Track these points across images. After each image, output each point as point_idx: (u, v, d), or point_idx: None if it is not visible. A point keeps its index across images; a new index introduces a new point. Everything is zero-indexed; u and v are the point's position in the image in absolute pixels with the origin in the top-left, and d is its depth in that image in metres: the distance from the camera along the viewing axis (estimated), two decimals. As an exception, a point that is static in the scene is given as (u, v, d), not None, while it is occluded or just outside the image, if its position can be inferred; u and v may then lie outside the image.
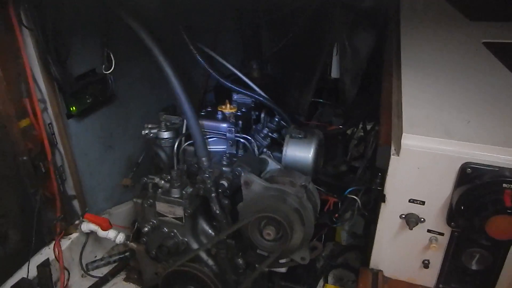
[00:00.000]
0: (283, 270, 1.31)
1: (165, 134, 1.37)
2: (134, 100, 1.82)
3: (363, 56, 1.53)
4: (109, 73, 1.53)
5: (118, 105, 1.73)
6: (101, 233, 1.54)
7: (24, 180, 1.40)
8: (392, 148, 1.02)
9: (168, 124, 1.40)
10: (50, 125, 1.44)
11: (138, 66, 1.78)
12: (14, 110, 1.32)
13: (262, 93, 1.47)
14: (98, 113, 1.65)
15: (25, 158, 1.37)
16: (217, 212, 1.26)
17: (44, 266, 1.44)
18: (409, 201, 1.04)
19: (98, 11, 1.47)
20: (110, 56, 1.51)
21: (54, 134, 1.46)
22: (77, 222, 1.61)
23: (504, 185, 0.89)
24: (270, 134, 1.41)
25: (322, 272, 1.53)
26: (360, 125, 1.81)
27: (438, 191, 1.00)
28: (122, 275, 1.64)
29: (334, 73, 1.75)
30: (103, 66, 1.52)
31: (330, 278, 1.54)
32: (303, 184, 1.17)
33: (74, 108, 1.49)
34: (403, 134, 0.99)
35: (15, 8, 1.24)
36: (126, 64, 1.68)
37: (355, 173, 1.59)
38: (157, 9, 1.37)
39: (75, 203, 1.62)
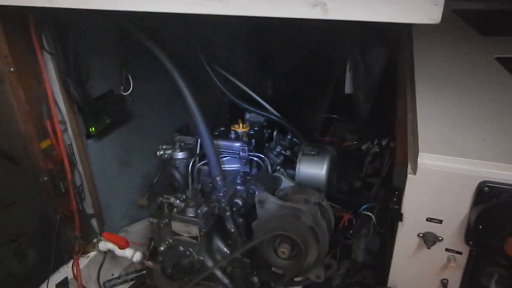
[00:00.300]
0: (298, 288, 1.30)
1: (180, 155, 1.39)
2: (151, 119, 1.85)
3: (377, 71, 1.53)
4: (127, 94, 1.57)
5: (135, 124, 1.77)
6: (119, 252, 1.56)
7: (44, 200, 1.43)
8: (409, 167, 1.02)
9: (182, 144, 1.42)
10: (70, 146, 1.48)
11: (155, 86, 1.82)
12: (35, 132, 1.36)
13: (274, 112, 1.49)
14: (115, 132, 1.69)
15: (45, 178, 1.41)
16: (232, 230, 1.27)
17: (63, 285, 1.46)
18: (427, 219, 1.03)
19: (117, 34, 1.52)
20: (128, 77, 1.54)
21: (73, 154, 1.49)
22: (95, 240, 1.63)
23: (522, 204, 0.88)
24: (283, 151, 1.42)
25: (338, 290, 1.51)
26: (375, 141, 1.80)
27: (456, 210, 0.99)
28: (139, 293, 1.66)
29: (348, 89, 1.76)
30: (122, 87, 1.56)
31: (346, 297, 1.51)
32: (316, 201, 1.17)
33: (93, 128, 1.53)
34: (419, 153, 0.99)
35: (36, 33, 1.29)
36: (143, 84, 1.72)
37: (370, 190, 1.58)
38: (172, 28, 1.40)
39: (93, 222, 1.64)
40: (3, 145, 1.28)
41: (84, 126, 1.52)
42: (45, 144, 1.40)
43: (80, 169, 1.53)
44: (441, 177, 0.98)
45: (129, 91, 1.57)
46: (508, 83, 1.19)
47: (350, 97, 1.73)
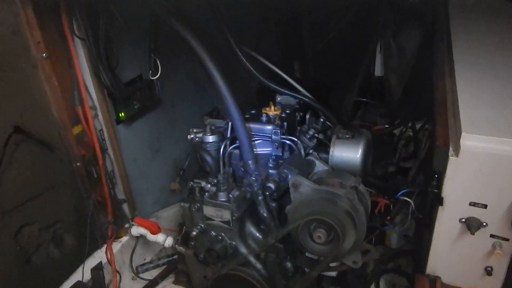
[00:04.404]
0: (333, 274, 1.28)
1: (211, 138, 1.37)
2: (180, 104, 1.85)
3: (410, 54, 1.47)
4: (155, 78, 1.56)
5: (164, 109, 1.77)
6: (150, 237, 1.57)
7: (78, 186, 1.45)
8: (450, 149, 0.97)
9: (213, 128, 1.40)
10: (101, 131, 1.49)
11: (183, 71, 1.81)
12: (68, 118, 1.37)
13: (307, 93, 1.45)
14: (145, 118, 1.69)
15: (78, 164, 1.42)
16: (265, 215, 1.25)
17: (98, 269, 1.48)
18: (470, 204, 0.98)
19: (146, 19, 1.51)
20: (157, 62, 1.53)
21: (104, 140, 1.50)
22: (127, 225, 1.65)
23: None
24: (316, 135, 1.38)
25: (373, 277, 1.48)
26: (409, 124, 1.74)
27: (502, 194, 0.94)
28: (171, 277, 1.67)
29: (378, 71, 1.70)
30: (150, 72, 1.55)
31: (381, 284, 1.48)
32: (353, 185, 1.14)
33: (123, 114, 1.54)
34: (462, 134, 0.94)
35: (68, 19, 1.29)
36: (171, 69, 1.71)
37: (404, 175, 1.54)
38: (202, 13, 1.38)
39: (125, 207, 1.66)
40: (38, 132, 1.29)
41: (114, 112, 1.53)
42: (77, 130, 1.42)
43: (111, 154, 1.54)
44: (486, 159, 0.93)
45: (158, 75, 1.55)
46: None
47: (380, 79, 1.68)
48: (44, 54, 1.26)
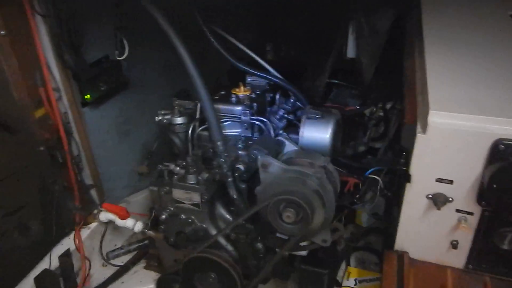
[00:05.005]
0: (303, 253, 1.29)
1: (179, 120, 1.35)
2: (148, 86, 1.80)
3: (382, 34, 1.47)
4: (122, 59, 1.51)
5: (132, 91, 1.72)
6: (120, 222, 1.54)
7: (42, 171, 1.40)
8: (418, 126, 0.98)
9: (181, 109, 1.37)
10: (65, 114, 1.43)
11: (152, 52, 1.76)
12: (30, 100, 1.31)
13: (277, 74, 1.43)
14: (112, 101, 1.64)
15: (42, 148, 1.37)
16: (234, 196, 1.24)
17: (66, 257, 1.45)
18: (437, 180, 0.99)
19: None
20: (123, 42, 1.48)
21: (69, 123, 1.45)
22: (95, 211, 1.61)
23: (540, 161, 0.84)
24: (285, 115, 1.38)
25: (343, 255, 1.50)
26: (379, 105, 1.75)
27: (468, 170, 0.96)
28: (143, 263, 1.65)
29: (350, 52, 1.70)
30: (116, 52, 1.50)
31: (352, 261, 1.51)
32: (322, 164, 1.14)
33: (88, 96, 1.48)
34: (430, 111, 0.94)
35: (27, -7, 1.23)
36: (139, 49, 1.65)
37: (374, 155, 1.55)
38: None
39: (93, 192, 1.62)
40: (-3, 114, 1.24)
41: (79, 94, 1.47)
42: (40, 112, 1.36)
43: (77, 138, 1.50)
44: (452, 136, 0.94)
45: (124, 56, 1.50)
46: (523, 40, 1.13)
47: (352, 61, 1.68)
48: (2, 32, 1.20)
